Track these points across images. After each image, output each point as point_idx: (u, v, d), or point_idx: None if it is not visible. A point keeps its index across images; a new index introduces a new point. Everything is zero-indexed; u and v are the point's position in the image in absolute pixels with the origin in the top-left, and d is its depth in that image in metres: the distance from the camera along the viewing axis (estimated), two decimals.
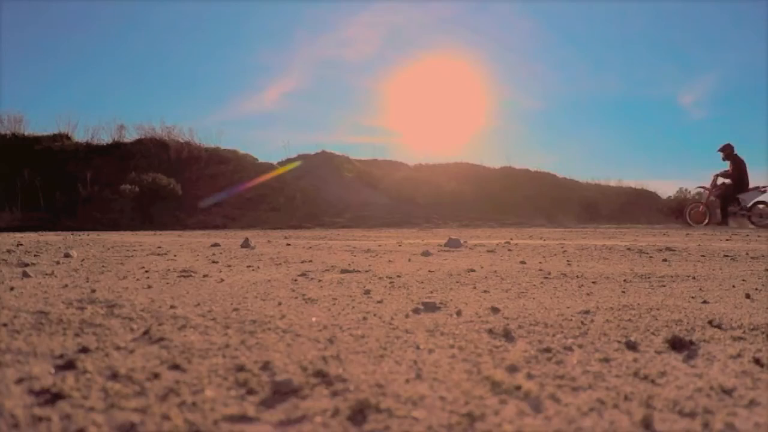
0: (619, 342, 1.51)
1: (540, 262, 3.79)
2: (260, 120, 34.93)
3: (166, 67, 35.11)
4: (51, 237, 6.32)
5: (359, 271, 3.09)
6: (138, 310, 1.82)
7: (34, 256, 3.65)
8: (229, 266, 3.31)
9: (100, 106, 35.91)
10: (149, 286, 2.43)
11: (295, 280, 2.77)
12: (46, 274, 2.76)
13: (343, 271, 3.09)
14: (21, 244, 4.65)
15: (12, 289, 2.21)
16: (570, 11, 38.21)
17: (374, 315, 1.84)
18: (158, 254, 4.03)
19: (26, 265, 3.12)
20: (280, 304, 2.02)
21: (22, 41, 28.97)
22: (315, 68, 36.05)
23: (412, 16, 34.00)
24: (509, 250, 4.93)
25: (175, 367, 1.23)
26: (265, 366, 1.24)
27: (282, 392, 1.08)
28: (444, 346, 1.44)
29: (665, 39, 41.47)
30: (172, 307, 1.90)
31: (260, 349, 1.38)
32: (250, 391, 1.09)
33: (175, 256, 3.96)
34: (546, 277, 2.99)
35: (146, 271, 2.99)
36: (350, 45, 33.81)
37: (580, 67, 40.25)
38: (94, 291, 2.21)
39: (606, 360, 1.35)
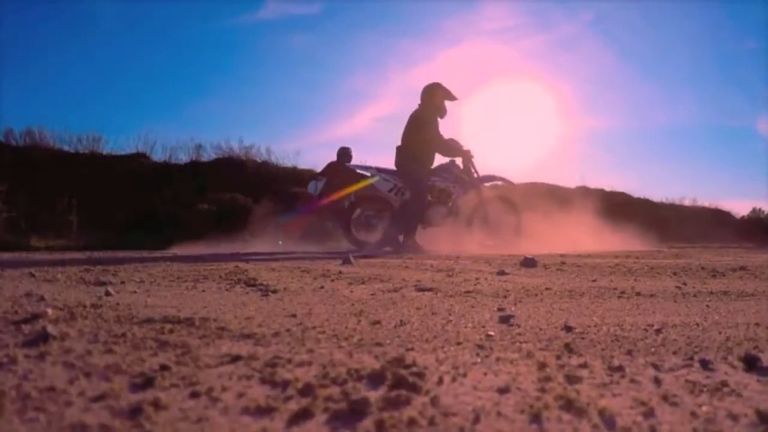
0: (691, 359, 1.50)
1: (612, 281, 3.74)
2: (339, 143, 35.32)
3: (256, 91, 35.78)
4: (129, 255, 6.49)
5: (435, 289, 3.11)
6: (222, 327, 1.87)
7: (113, 275, 3.74)
8: (306, 283, 3.35)
9: (180, 127, 36.88)
10: (234, 304, 2.48)
11: (373, 294, 2.81)
12: (126, 292, 2.84)
13: (420, 289, 3.11)
14: (99, 263, 4.77)
15: (92, 306, 2.27)
16: (646, 44, 37.96)
17: (450, 332, 1.87)
18: (239, 272, 4.09)
19: (104, 283, 3.20)
20: (359, 322, 2.06)
21: (105, 62, 29.89)
22: (403, 95, 36.45)
23: (501, 51, 34.42)
24: (582, 267, 4.86)
25: (263, 381, 1.26)
26: (350, 372, 1.33)
27: (361, 411, 1.11)
28: (517, 361, 1.45)
29: (741, 69, 40.60)
30: (260, 325, 1.95)
31: (347, 357, 1.48)
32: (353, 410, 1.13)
33: (258, 273, 4.02)
34: (619, 297, 2.95)
35: (227, 290, 3.04)
36: (439, 76, 34.22)
37: (655, 96, 39.82)
38: (175, 308, 2.27)
39: (678, 378, 1.33)
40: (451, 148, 9.16)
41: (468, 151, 9.19)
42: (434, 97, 8.96)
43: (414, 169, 8.84)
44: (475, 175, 9.26)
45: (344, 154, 12.34)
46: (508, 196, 9.87)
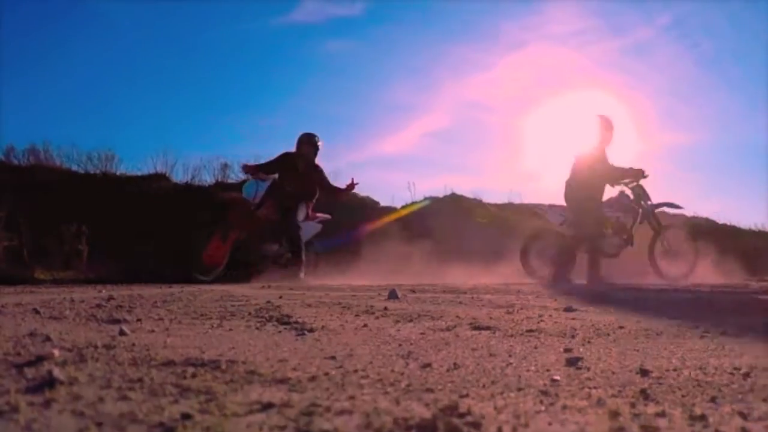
0: None
1: (693, 318, 3.70)
2: (383, 162, 35.11)
3: (289, 103, 35.73)
4: (146, 290, 6.54)
5: (494, 328, 3.10)
6: (252, 371, 1.88)
7: (127, 311, 3.75)
8: (347, 321, 3.36)
9: (204, 144, 37.12)
10: (265, 344, 2.50)
11: (423, 333, 2.82)
12: (143, 331, 2.86)
13: (476, 328, 3.10)
14: (112, 298, 4.81)
15: (105, 347, 2.29)
16: (730, 50, 37.55)
17: (510, 376, 1.88)
18: (269, 309, 4.11)
19: (118, 321, 3.21)
20: (407, 365, 2.07)
21: (118, 71, 30.22)
22: (457, 107, 36.28)
23: (568, 57, 34.22)
24: (660, 302, 4.81)
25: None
26: (397, 422, 1.33)
27: None
28: (586, 409, 1.45)
29: None
30: (294, 368, 1.96)
31: (393, 404, 1.48)
32: None
33: (291, 310, 4.03)
34: (702, 336, 2.92)
35: (257, 329, 3.06)
36: (498, 85, 34.05)
37: (742, 108, 39.27)
38: (198, 349, 2.29)
39: None
40: (624, 173, 9.72)
41: (641, 171, 9.71)
42: (600, 130, 9.62)
43: (583, 206, 9.45)
44: (649, 203, 9.77)
45: (309, 142, 9.92)
46: (682, 223, 10.16)
